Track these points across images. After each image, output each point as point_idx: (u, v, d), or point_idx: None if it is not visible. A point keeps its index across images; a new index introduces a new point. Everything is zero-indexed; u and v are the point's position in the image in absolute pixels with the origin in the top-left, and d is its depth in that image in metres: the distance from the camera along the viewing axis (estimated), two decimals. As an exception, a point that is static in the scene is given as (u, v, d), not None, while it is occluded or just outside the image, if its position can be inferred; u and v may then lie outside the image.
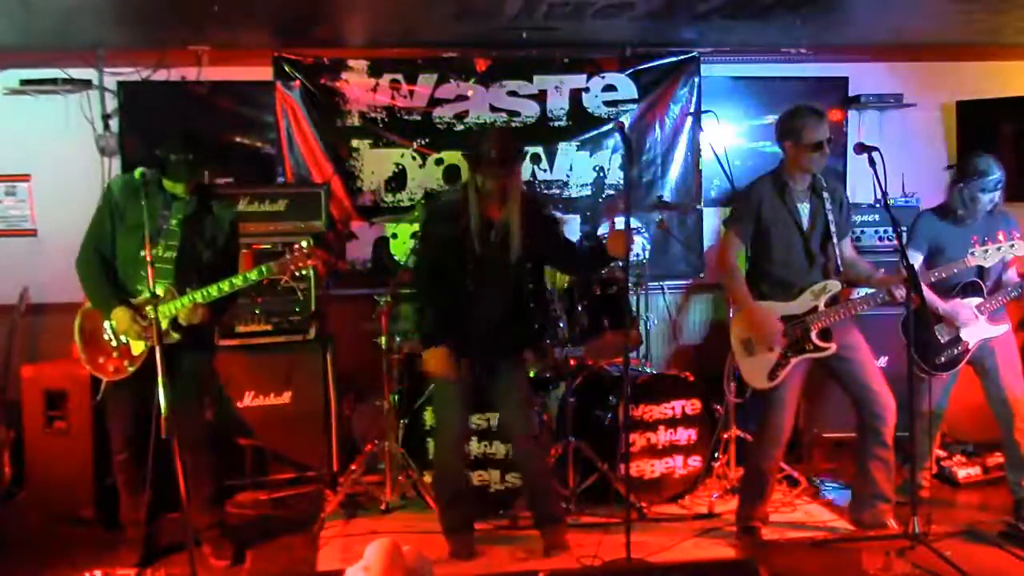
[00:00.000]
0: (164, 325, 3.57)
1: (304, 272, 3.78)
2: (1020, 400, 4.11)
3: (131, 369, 3.65)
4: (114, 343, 3.68)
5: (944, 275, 3.99)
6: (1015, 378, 4.15)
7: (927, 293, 3.81)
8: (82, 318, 3.76)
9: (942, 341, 4.14)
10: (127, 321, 3.58)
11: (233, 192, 4.77)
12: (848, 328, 3.89)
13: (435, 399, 4.04)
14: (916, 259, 4.10)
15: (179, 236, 3.67)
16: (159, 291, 3.55)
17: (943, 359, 4.16)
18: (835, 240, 3.85)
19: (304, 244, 3.65)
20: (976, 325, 4.12)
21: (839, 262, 3.88)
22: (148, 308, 3.45)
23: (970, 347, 4.14)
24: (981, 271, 4.12)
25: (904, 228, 4.14)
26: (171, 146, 3.61)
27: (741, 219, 3.92)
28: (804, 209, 3.88)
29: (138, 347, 3.64)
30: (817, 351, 3.82)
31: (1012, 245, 3.86)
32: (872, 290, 3.93)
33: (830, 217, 3.86)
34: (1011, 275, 4.20)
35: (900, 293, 3.77)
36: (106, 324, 3.68)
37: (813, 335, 3.81)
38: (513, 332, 3.78)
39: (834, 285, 3.84)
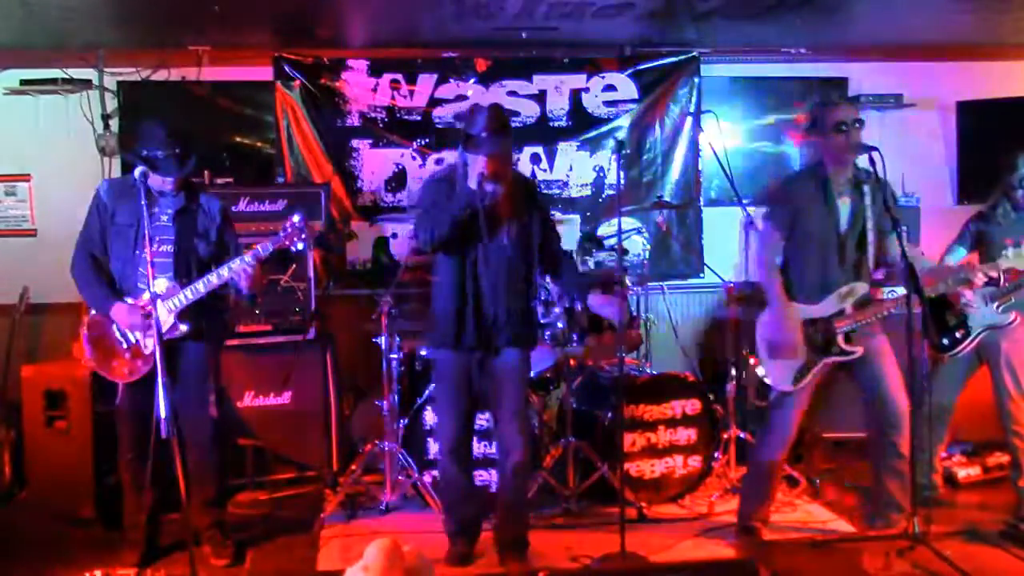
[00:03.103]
0: (170, 320, 3.60)
1: (300, 248, 3.77)
2: (1016, 401, 4.10)
3: (146, 368, 3.63)
4: (124, 344, 3.67)
5: (979, 280, 3.86)
6: (1012, 380, 4.12)
7: (944, 267, 3.89)
8: (89, 325, 3.74)
9: (949, 324, 4.13)
10: (128, 315, 3.59)
11: (233, 192, 4.78)
12: (873, 332, 3.79)
13: (436, 398, 3.93)
14: (959, 254, 4.14)
15: (173, 231, 3.68)
16: (160, 287, 3.57)
17: (946, 341, 4.16)
18: (871, 239, 3.74)
19: (296, 219, 3.65)
20: (982, 311, 4.10)
21: (871, 264, 3.78)
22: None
23: (972, 333, 4.11)
24: None
25: (905, 228, 4.13)
26: (157, 143, 3.61)
27: (778, 212, 3.81)
28: (844, 205, 3.75)
29: (150, 345, 3.63)
30: (843, 354, 3.74)
31: None
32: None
33: (869, 214, 3.73)
34: None
35: (979, 278, 3.76)
36: (113, 326, 3.67)
37: (839, 338, 3.73)
38: (515, 323, 3.64)
39: (862, 287, 3.74)
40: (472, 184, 3.50)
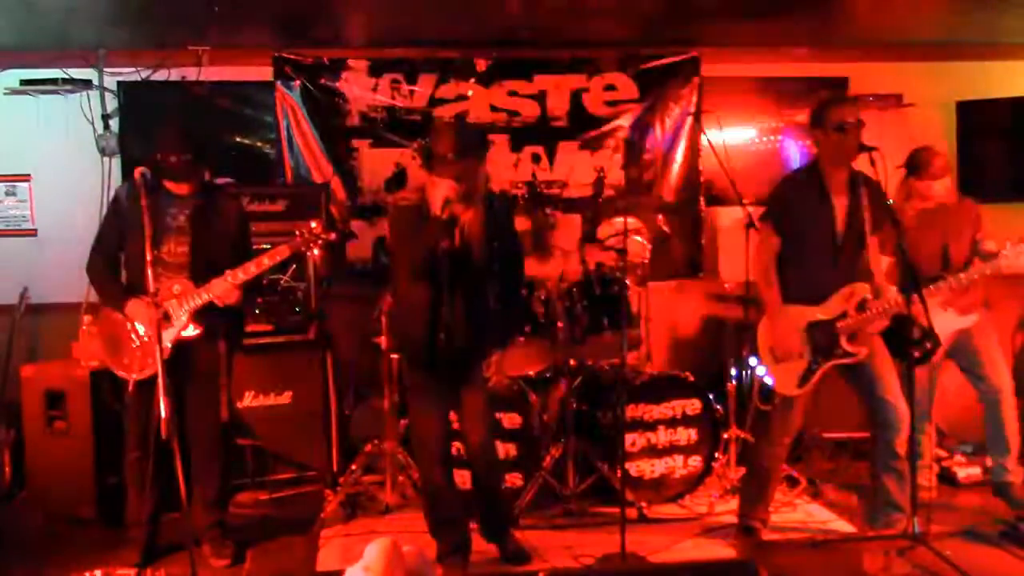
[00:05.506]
0: (184, 319, 3.62)
1: (316, 253, 3.78)
2: (1002, 376, 4.14)
3: (157, 365, 3.63)
4: (137, 342, 3.68)
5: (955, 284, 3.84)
6: (991, 361, 4.18)
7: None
8: (100, 322, 3.76)
9: (916, 337, 4.09)
10: (142, 309, 3.60)
11: (232, 192, 4.77)
12: (871, 334, 3.77)
13: (416, 412, 3.75)
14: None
15: (189, 232, 3.69)
16: (175, 288, 3.61)
17: (917, 354, 4.10)
18: (870, 240, 3.71)
19: (313, 224, 3.68)
20: (943, 317, 4.04)
21: (871, 265, 3.76)
22: (168, 302, 3.54)
23: (940, 340, 3.94)
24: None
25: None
26: (170, 147, 3.64)
27: (774, 213, 3.81)
28: (839, 204, 3.73)
29: (163, 340, 3.64)
30: (847, 356, 3.71)
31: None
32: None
33: (867, 214, 3.70)
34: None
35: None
36: (126, 322, 3.68)
37: (842, 340, 3.71)
38: (480, 337, 3.57)
39: (863, 288, 3.71)
40: (437, 210, 3.36)
